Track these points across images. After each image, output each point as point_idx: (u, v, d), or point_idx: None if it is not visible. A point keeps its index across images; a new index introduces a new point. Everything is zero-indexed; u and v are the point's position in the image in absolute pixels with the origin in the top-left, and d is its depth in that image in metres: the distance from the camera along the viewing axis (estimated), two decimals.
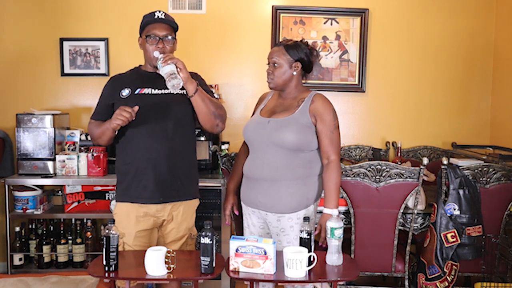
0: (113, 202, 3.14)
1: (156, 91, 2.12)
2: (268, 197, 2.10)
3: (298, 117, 2.09)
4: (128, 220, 2.10)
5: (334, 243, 1.87)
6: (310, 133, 2.09)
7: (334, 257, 1.87)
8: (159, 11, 2.12)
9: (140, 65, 2.25)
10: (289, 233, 2.10)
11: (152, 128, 2.08)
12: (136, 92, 2.12)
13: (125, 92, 2.12)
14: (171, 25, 2.13)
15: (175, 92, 2.11)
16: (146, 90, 2.12)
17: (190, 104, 2.14)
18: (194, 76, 2.22)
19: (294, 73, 2.15)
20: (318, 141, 2.11)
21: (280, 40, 3.48)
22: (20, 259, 3.22)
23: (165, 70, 1.95)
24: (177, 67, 1.97)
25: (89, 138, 3.26)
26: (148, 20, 2.11)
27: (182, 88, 2.07)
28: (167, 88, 2.10)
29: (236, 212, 2.33)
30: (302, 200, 2.10)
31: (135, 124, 2.04)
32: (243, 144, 2.36)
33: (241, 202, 2.26)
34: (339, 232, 1.88)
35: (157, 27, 2.09)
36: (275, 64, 2.14)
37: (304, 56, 2.15)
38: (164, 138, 2.09)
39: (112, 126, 2.00)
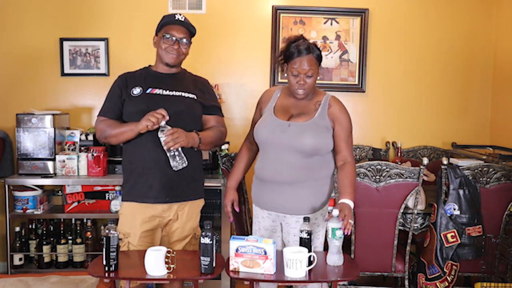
0: (113, 202, 3.14)
1: (167, 92, 2.13)
2: (288, 200, 2.09)
3: (318, 121, 2.09)
4: (134, 221, 2.11)
5: (335, 243, 1.87)
6: (328, 136, 2.10)
7: (335, 258, 1.87)
8: (180, 14, 2.15)
9: (149, 65, 2.25)
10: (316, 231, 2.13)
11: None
12: (148, 91, 2.13)
13: (136, 90, 2.13)
14: (189, 29, 2.16)
15: (186, 96, 2.14)
16: (158, 91, 2.13)
17: (200, 108, 2.18)
18: (203, 82, 2.27)
19: (319, 77, 2.13)
20: (334, 143, 2.12)
21: (281, 40, 3.48)
22: (20, 259, 3.21)
23: (166, 147, 2.01)
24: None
25: (89, 138, 3.26)
26: (168, 20, 2.13)
27: (190, 93, 2.13)
28: (178, 90, 2.14)
29: (237, 209, 2.30)
30: (322, 200, 2.12)
31: None
32: (244, 143, 2.33)
33: (254, 205, 2.24)
34: (340, 233, 1.87)
35: (175, 29, 2.12)
36: (310, 75, 2.05)
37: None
38: None
39: (140, 127, 2.01)
